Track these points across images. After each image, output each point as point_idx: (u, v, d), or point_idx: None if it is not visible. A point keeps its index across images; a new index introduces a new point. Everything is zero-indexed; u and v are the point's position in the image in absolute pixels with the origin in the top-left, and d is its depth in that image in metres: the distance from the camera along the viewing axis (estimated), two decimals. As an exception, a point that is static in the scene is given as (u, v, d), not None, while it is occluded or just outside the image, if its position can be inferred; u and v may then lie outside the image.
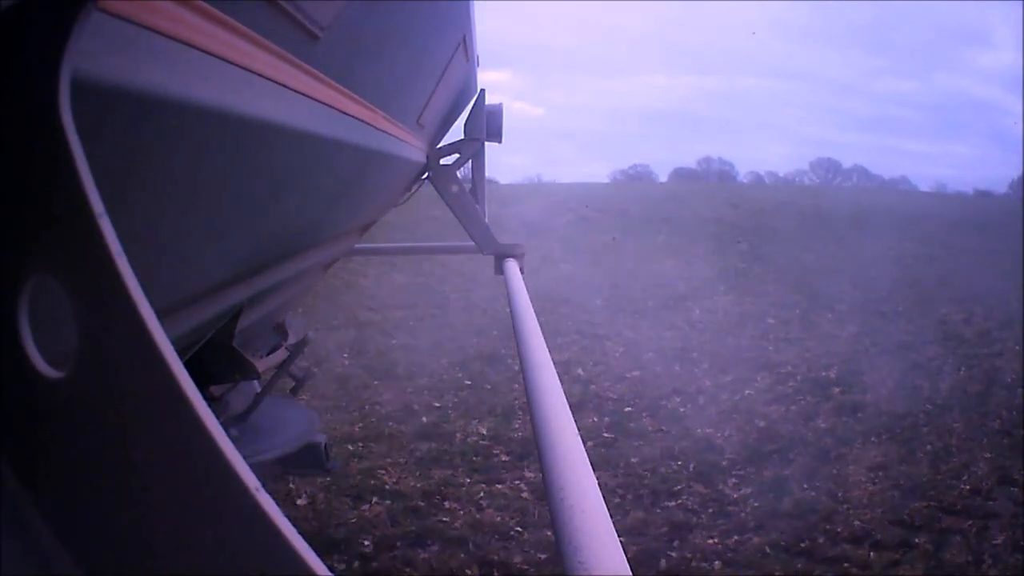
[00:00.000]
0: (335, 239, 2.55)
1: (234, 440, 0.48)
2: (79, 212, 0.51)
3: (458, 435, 5.51)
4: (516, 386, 6.06)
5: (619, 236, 14.26)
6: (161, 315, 0.51)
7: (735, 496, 4.68)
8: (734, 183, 37.16)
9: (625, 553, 0.77)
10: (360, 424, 5.66)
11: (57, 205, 0.52)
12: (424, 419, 5.78)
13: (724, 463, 5.13)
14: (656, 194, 22.79)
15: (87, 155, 0.52)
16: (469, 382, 6.69)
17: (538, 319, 1.94)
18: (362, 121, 1.66)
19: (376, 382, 6.61)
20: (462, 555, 3.96)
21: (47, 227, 0.54)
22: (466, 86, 3.39)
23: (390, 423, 5.68)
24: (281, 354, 2.64)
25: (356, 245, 3.62)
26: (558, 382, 1.41)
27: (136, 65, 0.68)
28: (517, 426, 5.62)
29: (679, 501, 4.62)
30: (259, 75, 0.97)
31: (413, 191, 3.63)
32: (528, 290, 2.43)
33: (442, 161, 3.32)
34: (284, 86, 1.08)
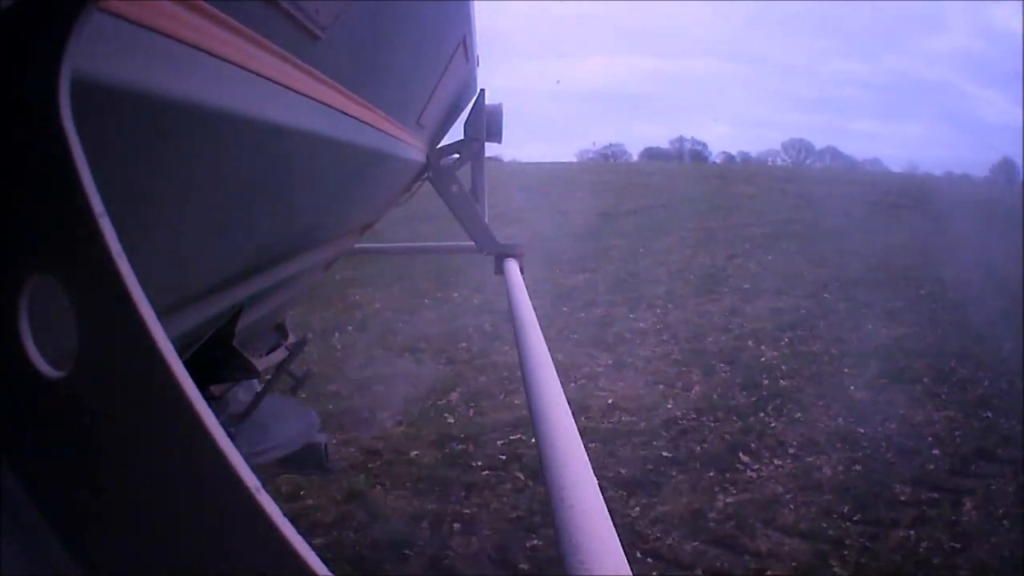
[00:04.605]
0: (335, 239, 2.55)
1: (234, 440, 0.48)
2: (79, 212, 0.51)
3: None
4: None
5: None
6: (161, 315, 0.51)
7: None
8: (707, 164, 36.58)
9: None
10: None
11: (57, 205, 0.52)
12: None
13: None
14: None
15: (87, 155, 0.52)
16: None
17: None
18: (362, 121, 1.65)
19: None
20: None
21: (47, 227, 0.54)
22: (466, 86, 3.39)
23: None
24: (281, 354, 2.64)
25: (356, 245, 3.63)
26: (558, 382, 1.41)
27: (136, 65, 0.68)
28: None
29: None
30: (259, 75, 0.97)
31: (413, 191, 3.63)
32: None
33: (442, 161, 3.33)
34: (284, 86, 1.08)
